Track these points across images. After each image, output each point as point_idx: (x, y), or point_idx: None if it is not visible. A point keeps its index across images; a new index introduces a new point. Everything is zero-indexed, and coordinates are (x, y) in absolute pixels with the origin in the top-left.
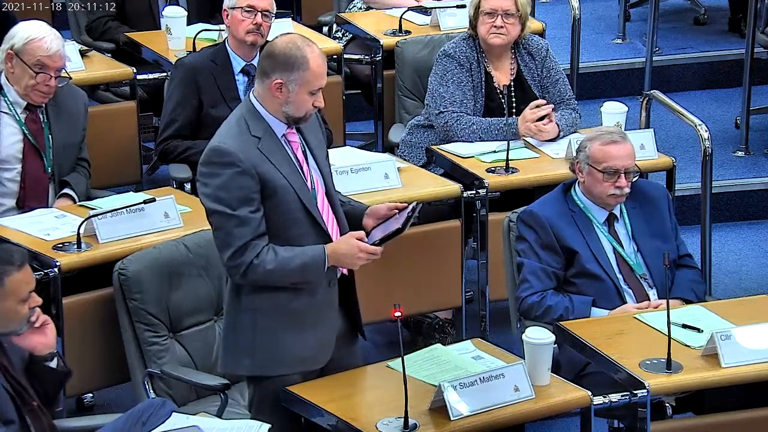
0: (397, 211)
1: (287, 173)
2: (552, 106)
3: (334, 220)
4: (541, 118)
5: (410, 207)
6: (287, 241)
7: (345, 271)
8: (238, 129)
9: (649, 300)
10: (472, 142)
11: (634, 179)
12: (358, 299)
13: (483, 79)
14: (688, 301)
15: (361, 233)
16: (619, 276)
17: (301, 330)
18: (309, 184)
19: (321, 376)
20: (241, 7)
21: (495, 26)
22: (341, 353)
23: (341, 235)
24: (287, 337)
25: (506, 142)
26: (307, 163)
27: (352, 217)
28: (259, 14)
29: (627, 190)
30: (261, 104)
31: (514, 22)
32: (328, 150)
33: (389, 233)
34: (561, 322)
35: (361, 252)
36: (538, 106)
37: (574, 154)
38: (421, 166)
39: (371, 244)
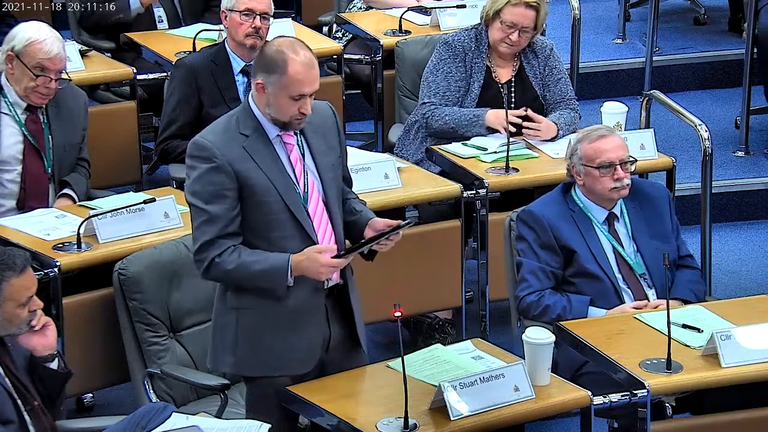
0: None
1: (271, 173)
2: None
3: (329, 225)
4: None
5: (405, 223)
6: (270, 243)
7: (338, 280)
8: (226, 126)
9: (647, 300)
10: (446, 132)
11: (632, 170)
12: (353, 308)
13: (483, 70)
14: (687, 302)
15: (327, 246)
16: (618, 276)
17: (284, 333)
18: (301, 186)
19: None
20: (240, 11)
21: (510, 38)
22: (342, 359)
23: (336, 242)
24: (269, 339)
25: (506, 142)
26: (303, 166)
27: (358, 226)
28: (258, 17)
29: (627, 181)
30: (255, 104)
31: (528, 37)
32: None
33: (354, 246)
34: (561, 322)
35: (323, 266)
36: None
37: (569, 158)
38: (416, 162)
39: (334, 257)
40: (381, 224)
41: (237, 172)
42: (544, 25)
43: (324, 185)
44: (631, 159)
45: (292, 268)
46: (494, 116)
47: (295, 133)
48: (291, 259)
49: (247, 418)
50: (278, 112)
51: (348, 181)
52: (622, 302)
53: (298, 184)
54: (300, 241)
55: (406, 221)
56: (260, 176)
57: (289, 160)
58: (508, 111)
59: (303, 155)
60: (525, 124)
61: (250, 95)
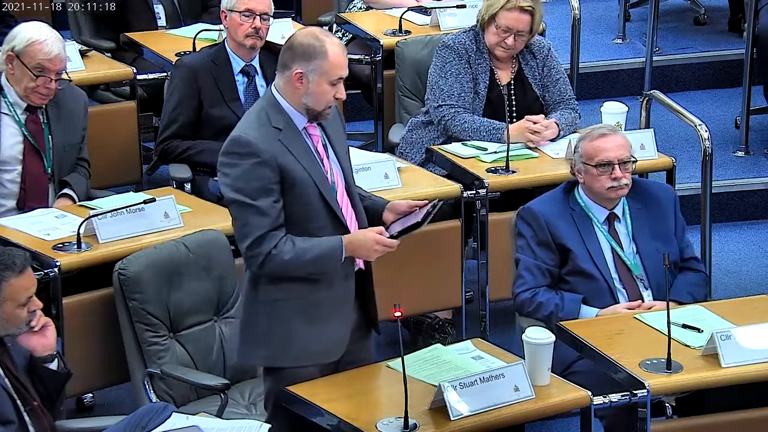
0: (417, 208)
1: (308, 165)
2: (542, 117)
3: (353, 213)
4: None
5: (431, 204)
6: (306, 233)
7: (362, 265)
8: (259, 121)
9: (642, 301)
10: (465, 138)
11: (631, 170)
12: (374, 293)
13: (487, 71)
14: (682, 304)
15: (380, 228)
16: (615, 276)
17: (317, 323)
18: (329, 177)
19: (336, 370)
20: (240, 11)
21: (505, 42)
22: (354, 347)
23: (359, 228)
24: (303, 330)
25: (506, 142)
26: (328, 157)
27: (371, 211)
28: (258, 18)
29: (625, 181)
30: (282, 97)
31: (524, 40)
32: None
33: (408, 226)
34: (562, 322)
35: (378, 244)
36: (534, 122)
37: (572, 155)
38: (420, 164)
39: (389, 237)
40: (403, 206)
41: (280, 166)
42: (544, 25)
43: (345, 174)
44: (632, 159)
45: (345, 248)
46: (516, 130)
47: (318, 124)
48: (343, 240)
49: (266, 411)
50: (317, 100)
51: None
52: (617, 302)
53: (327, 174)
54: (333, 230)
55: (438, 201)
56: (299, 169)
57: (317, 151)
58: (516, 122)
59: (325, 146)
60: (534, 127)
61: (273, 89)
